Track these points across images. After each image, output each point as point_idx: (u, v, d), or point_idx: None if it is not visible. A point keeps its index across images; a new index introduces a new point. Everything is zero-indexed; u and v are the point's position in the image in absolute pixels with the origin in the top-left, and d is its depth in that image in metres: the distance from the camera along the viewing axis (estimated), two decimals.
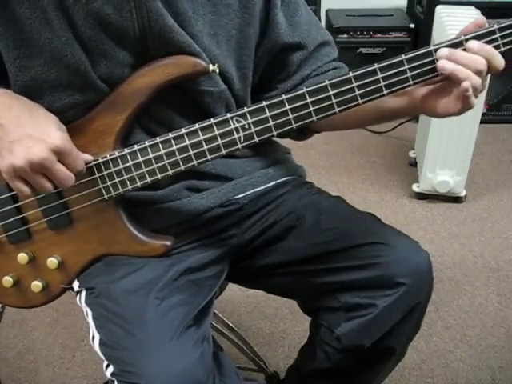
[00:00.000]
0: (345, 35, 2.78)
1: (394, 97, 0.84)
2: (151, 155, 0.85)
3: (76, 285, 0.94)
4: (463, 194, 2.20)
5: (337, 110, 0.81)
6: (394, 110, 0.89)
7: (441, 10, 2.13)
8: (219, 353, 0.91)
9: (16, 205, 0.89)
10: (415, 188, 2.24)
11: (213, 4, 0.87)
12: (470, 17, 2.05)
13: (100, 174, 0.87)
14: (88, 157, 0.85)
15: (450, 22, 1.99)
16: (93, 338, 0.87)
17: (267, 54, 0.96)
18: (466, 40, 0.77)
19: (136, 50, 0.85)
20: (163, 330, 0.82)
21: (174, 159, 0.85)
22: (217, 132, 0.83)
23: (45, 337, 1.64)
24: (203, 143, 0.83)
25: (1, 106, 0.80)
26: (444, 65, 0.76)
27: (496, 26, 0.76)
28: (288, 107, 0.81)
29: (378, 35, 2.81)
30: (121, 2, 0.80)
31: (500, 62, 0.76)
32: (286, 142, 1.09)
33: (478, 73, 0.76)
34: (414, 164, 2.44)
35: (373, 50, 2.82)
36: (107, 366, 0.84)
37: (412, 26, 2.80)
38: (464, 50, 0.76)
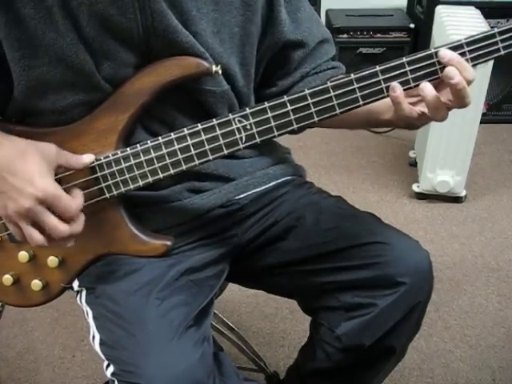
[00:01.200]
0: (345, 35, 2.78)
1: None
2: (153, 154, 0.85)
3: (76, 284, 0.94)
4: (463, 194, 2.20)
5: (338, 111, 0.81)
6: (382, 117, 0.90)
7: (441, 10, 2.14)
8: (219, 353, 0.92)
9: None
10: (415, 188, 2.24)
11: (215, 2, 0.87)
12: (470, 17, 2.05)
13: (102, 173, 0.86)
14: (90, 156, 0.85)
15: (450, 22, 1.99)
16: (93, 337, 0.87)
17: (270, 51, 0.96)
18: (467, 43, 0.77)
19: (140, 51, 0.85)
20: (163, 330, 0.82)
21: (175, 159, 0.85)
22: (219, 132, 0.83)
23: (45, 337, 1.64)
24: (205, 143, 0.84)
25: None
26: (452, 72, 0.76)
27: (496, 30, 0.76)
28: (290, 108, 0.81)
29: (378, 35, 2.81)
30: (125, 3, 0.80)
31: (470, 73, 0.76)
32: (285, 142, 1.09)
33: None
34: (414, 164, 2.45)
35: (373, 50, 2.82)
36: (107, 365, 0.84)
37: (412, 26, 2.80)
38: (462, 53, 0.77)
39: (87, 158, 0.85)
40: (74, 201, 0.81)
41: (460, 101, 0.78)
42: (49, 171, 0.80)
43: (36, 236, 0.80)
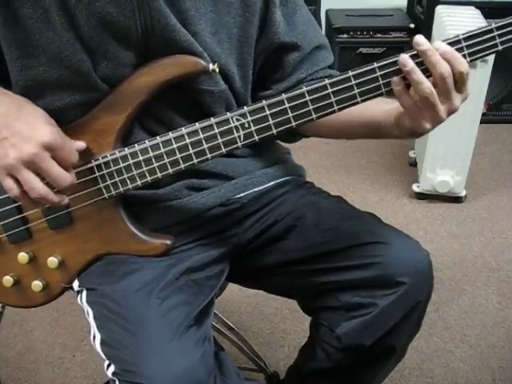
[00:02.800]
0: (345, 35, 2.78)
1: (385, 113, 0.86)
2: (151, 154, 0.85)
3: (76, 284, 0.94)
4: (463, 193, 2.20)
5: (336, 108, 0.81)
6: (379, 124, 0.89)
7: (441, 10, 2.14)
8: (220, 352, 0.92)
9: (16, 204, 0.89)
10: (415, 188, 2.24)
11: (214, 2, 0.87)
12: (470, 17, 2.05)
13: (100, 173, 0.86)
14: (80, 144, 0.85)
15: (450, 22, 1.99)
16: (94, 337, 0.87)
17: (264, 53, 0.96)
18: (465, 39, 0.77)
19: (138, 50, 0.85)
20: (164, 329, 0.82)
21: (174, 158, 0.85)
22: (217, 130, 0.83)
23: (45, 337, 1.64)
24: (203, 142, 0.84)
25: None
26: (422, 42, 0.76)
27: (494, 25, 0.76)
28: (287, 105, 0.81)
29: (378, 35, 2.81)
30: (123, 1, 0.80)
31: (462, 64, 0.76)
32: (285, 143, 1.09)
33: (441, 77, 0.75)
34: (414, 164, 2.45)
35: (373, 50, 2.82)
36: (108, 365, 0.84)
37: (412, 26, 2.80)
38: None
39: (80, 144, 0.85)
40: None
41: (433, 68, 0.75)
42: (53, 122, 0.81)
43: (38, 185, 0.78)
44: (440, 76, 0.75)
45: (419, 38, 0.76)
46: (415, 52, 0.77)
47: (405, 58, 0.77)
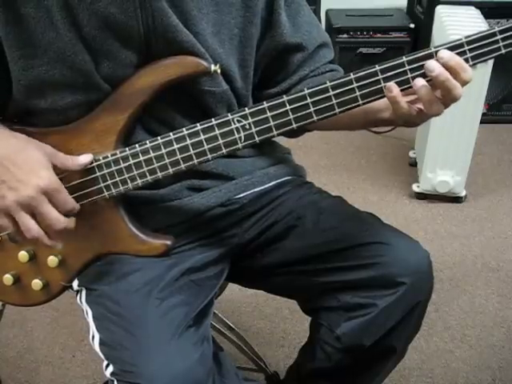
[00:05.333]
0: (345, 35, 2.78)
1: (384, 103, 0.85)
2: (152, 154, 0.85)
3: (76, 284, 0.94)
4: (463, 193, 2.20)
5: (337, 110, 0.81)
6: (380, 115, 0.88)
7: (441, 10, 2.14)
8: (219, 353, 0.92)
9: None
10: (415, 188, 2.24)
11: (216, 3, 0.87)
12: (470, 17, 2.05)
13: (101, 173, 0.87)
14: (87, 156, 0.85)
15: (450, 21, 1.99)
16: (93, 337, 0.87)
17: (269, 54, 0.96)
18: (467, 42, 0.76)
19: (140, 50, 0.85)
20: (163, 330, 0.82)
21: (174, 158, 0.85)
22: (218, 132, 0.83)
23: (45, 337, 1.64)
24: (204, 142, 0.84)
25: None
26: (433, 65, 0.76)
27: (497, 28, 0.75)
28: (289, 108, 0.81)
29: (378, 35, 2.81)
30: (125, 1, 0.80)
31: (468, 74, 0.76)
32: (285, 142, 1.09)
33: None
34: (414, 164, 2.45)
35: (373, 50, 2.82)
36: (107, 365, 0.84)
37: (412, 26, 2.80)
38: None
39: (84, 159, 0.85)
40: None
41: (448, 93, 0.76)
42: (50, 165, 0.82)
43: (34, 227, 0.80)
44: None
45: (430, 64, 0.76)
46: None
47: (432, 64, 0.76)
